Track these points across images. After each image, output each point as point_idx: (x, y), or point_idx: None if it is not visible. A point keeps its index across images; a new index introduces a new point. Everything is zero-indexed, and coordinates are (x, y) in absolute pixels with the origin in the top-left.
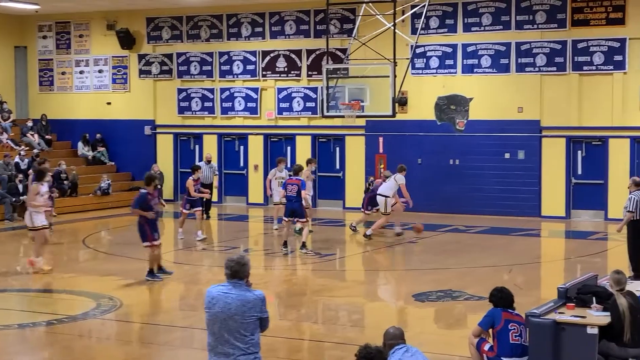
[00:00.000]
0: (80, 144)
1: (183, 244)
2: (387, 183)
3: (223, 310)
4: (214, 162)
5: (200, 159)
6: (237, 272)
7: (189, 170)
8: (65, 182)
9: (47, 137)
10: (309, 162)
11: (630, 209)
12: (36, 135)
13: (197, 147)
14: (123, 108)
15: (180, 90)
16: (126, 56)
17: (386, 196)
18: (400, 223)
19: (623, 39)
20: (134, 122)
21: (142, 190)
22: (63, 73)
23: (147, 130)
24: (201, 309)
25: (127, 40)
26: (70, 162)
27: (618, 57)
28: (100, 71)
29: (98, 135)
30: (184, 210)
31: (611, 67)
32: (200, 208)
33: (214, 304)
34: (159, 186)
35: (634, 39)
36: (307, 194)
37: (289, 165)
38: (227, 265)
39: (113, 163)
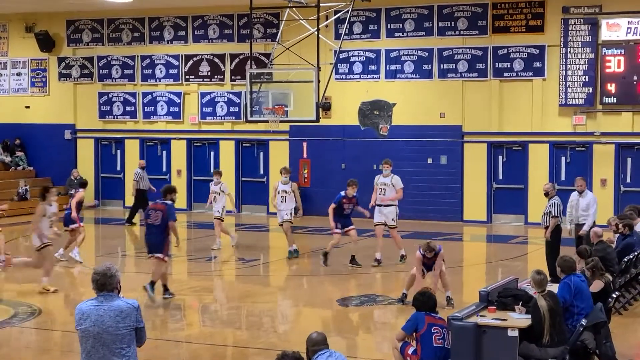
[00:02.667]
0: None
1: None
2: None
3: (95, 324)
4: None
5: (123, 164)
6: (104, 284)
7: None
8: None
9: None
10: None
11: (555, 214)
12: None
13: (118, 151)
14: (42, 112)
15: (101, 94)
16: (45, 59)
17: None
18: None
19: (542, 46)
20: (54, 127)
21: (169, 202)
22: None
23: (68, 134)
24: None
25: (46, 42)
26: None
27: (537, 64)
28: (18, 74)
29: (17, 141)
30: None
31: (531, 74)
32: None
33: (85, 319)
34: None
35: (552, 46)
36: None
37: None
38: (94, 279)
39: (32, 168)
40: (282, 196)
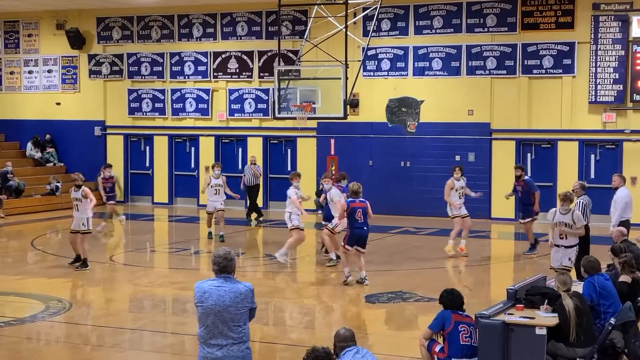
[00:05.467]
0: (29, 145)
1: (133, 245)
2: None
3: (217, 303)
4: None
5: (152, 160)
6: (225, 267)
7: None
8: (11, 182)
9: None
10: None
11: (580, 210)
12: None
13: (147, 148)
14: (73, 108)
15: (130, 91)
16: (76, 56)
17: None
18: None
19: (572, 43)
20: (84, 123)
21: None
22: (11, 73)
23: (97, 131)
24: (150, 311)
25: (77, 40)
26: (18, 163)
27: (567, 61)
28: (49, 71)
29: (47, 136)
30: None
31: (560, 71)
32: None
33: (207, 297)
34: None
35: (582, 43)
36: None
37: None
38: (215, 262)
39: (62, 164)
40: (215, 189)
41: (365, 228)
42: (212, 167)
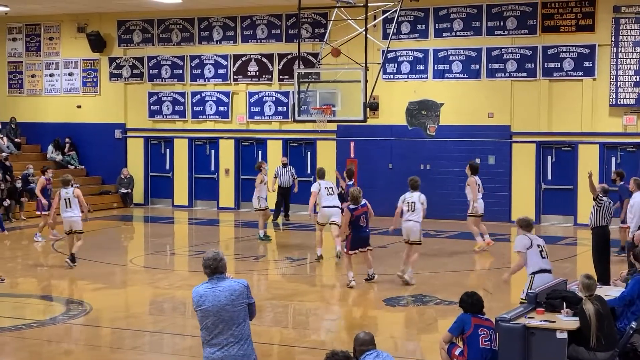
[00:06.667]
0: (50, 148)
1: (153, 248)
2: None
3: (214, 304)
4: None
5: (172, 163)
6: (217, 268)
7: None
8: (33, 184)
9: (16, 140)
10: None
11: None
12: (5, 139)
13: (167, 151)
14: (93, 111)
15: (151, 94)
16: (97, 59)
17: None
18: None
19: (593, 46)
20: (105, 126)
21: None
22: (33, 76)
23: (118, 133)
24: (170, 314)
25: (97, 43)
26: (39, 166)
27: (588, 64)
28: (70, 74)
29: (67, 139)
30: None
31: (581, 73)
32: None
33: (204, 300)
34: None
35: (603, 46)
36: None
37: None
38: (206, 265)
39: (83, 167)
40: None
41: (367, 230)
42: (262, 166)
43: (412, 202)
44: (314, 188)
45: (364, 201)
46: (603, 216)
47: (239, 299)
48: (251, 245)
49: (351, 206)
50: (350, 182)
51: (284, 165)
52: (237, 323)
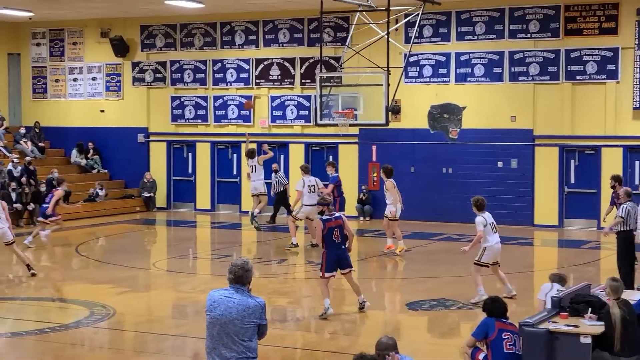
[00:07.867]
0: (74, 152)
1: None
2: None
3: (224, 314)
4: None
5: (194, 167)
6: (241, 277)
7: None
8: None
9: (40, 144)
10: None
11: (622, 215)
12: (29, 143)
13: (190, 154)
14: (116, 116)
15: (173, 98)
16: (120, 64)
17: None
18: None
19: (616, 49)
20: (128, 130)
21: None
22: (56, 80)
23: (141, 138)
24: (193, 317)
25: (121, 48)
26: (63, 170)
27: (611, 67)
28: (93, 79)
29: (91, 143)
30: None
31: (604, 77)
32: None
33: (215, 307)
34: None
35: (626, 49)
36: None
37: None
38: (231, 270)
39: (106, 171)
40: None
41: (343, 247)
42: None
43: (492, 223)
44: (298, 187)
45: (338, 214)
46: (628, 221)
47: (250, 317)
48: (274, 249)
49: (324, 217)
50: (336, 174)
51: (275, 171)
52: (243, 340)
